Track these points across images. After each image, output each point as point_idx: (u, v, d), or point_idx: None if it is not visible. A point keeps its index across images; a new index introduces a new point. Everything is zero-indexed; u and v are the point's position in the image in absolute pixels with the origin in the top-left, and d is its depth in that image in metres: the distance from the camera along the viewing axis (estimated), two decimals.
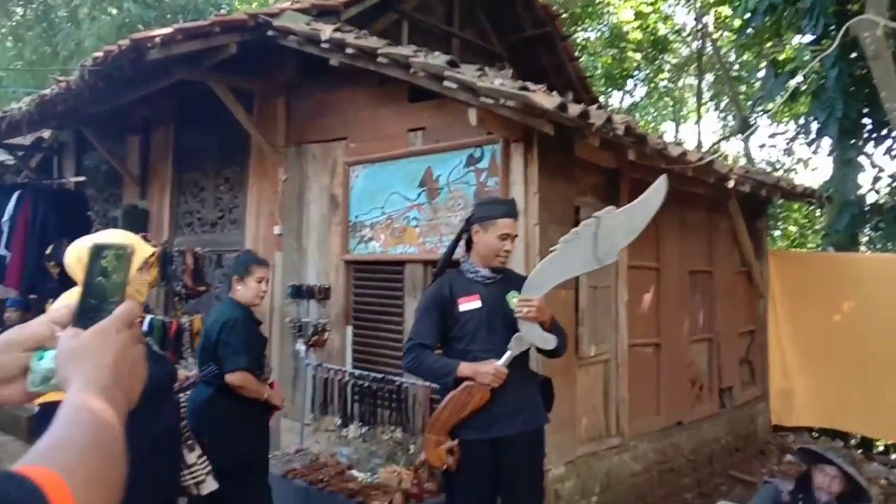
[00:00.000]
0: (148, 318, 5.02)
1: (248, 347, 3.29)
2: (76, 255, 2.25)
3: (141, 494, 2.21)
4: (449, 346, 2.90)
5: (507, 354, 2.74)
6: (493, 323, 2.81)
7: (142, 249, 2.39)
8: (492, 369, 2.68)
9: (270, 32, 4.67)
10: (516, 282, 2.90)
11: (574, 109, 3.44)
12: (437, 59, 3.83)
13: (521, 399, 2.80)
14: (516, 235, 2.91)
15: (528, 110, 3.41)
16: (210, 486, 2.59)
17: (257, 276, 3.45)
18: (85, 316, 0.80)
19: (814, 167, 15.91)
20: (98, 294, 0.82)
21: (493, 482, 2.85)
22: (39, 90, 6.21)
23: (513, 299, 2.80)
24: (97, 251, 0.84)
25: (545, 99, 3.35)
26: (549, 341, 2.75)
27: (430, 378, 3.00)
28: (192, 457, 2.53)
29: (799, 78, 7.26)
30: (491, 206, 2.95)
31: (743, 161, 14.04)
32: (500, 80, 3.52)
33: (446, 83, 3.64)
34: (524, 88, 3.40)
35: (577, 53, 9.45)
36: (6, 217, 6.85)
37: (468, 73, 3.66)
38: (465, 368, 2.73)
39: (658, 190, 2.69)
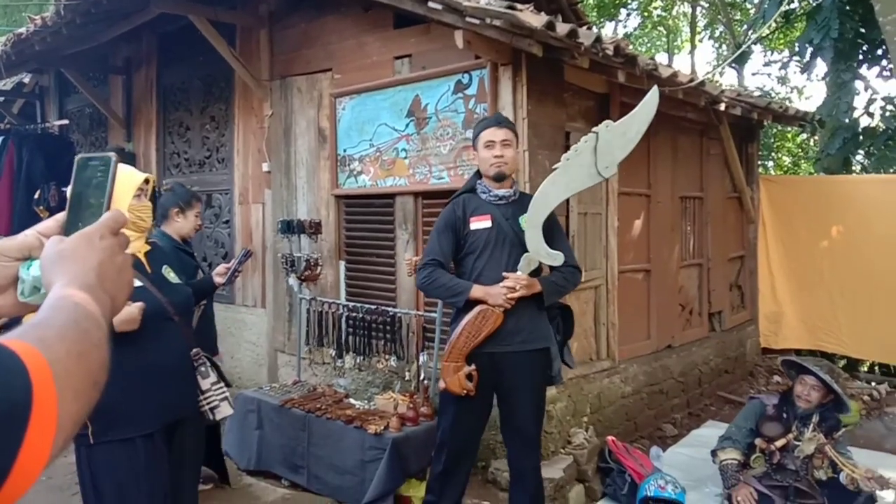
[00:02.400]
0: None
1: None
2: None
3: (147, 415, 2.30)
4: (459, 263, 2.99)
5: (517, 274, 2.81)
6: (502, 242, 2.89)
7: (134, 177, 2.40)
8: (502, 290, 2.75)
9: None
10: (528, 204, 2.92)
11: (562, 28, 3.37)
12: None
13: (520, 320, 2.86)
14: (506, 141, 2.90)
15: (515, 30, 3.34)
16: (225, 411, 2.65)
17: (196, 210, 3.52)
18: (73, 225, 0.80)
19: (808, 96, 15.70)
20: (84, 204, 0.82)
21: (488, 399, 2.93)
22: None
23: (524, 221, 2.86)
24: (82, 163, 0.85)
25: (532, 18, 3.28)
26: (557, 258, 2.82)
27: (442, 296, 3.03)
28: (205, 383, 2.58)
29: (793, 3, 7.11)
30: (477, 126, 3.02)
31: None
32: (485, 0, 3.43)
33: (431, 4, 3.54)
34: (511, 8, 3.32)
35: None
36: None
37: None
38: (476, 290, 2.81)
39: (650, 101, 2.73)
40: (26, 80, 7.88)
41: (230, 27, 5.34)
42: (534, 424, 2.95)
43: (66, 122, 7.24)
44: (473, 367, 2.80)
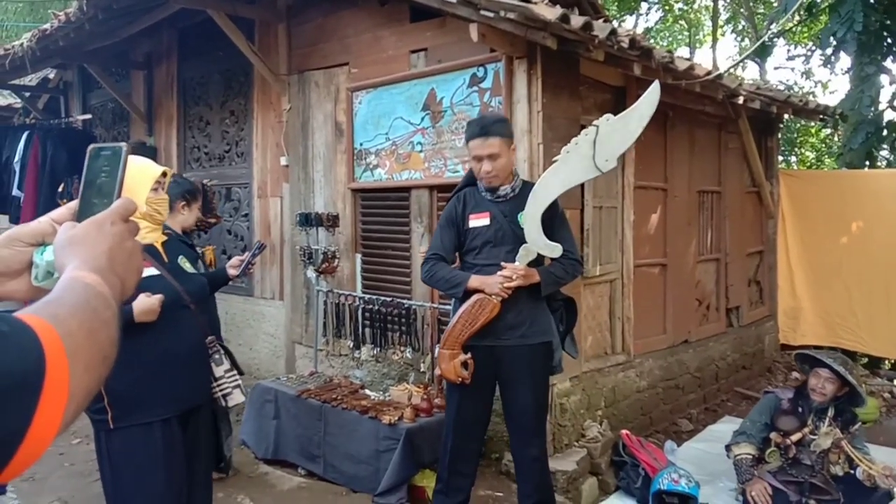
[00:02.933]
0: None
1: None
2: None
3: (165, 400, 2.36)
4: (463, 258, 3.03)
5: (514, 265, 2.80)
6: (501, 239, 2.89)
7: (151, 169, 2.46)
8: (499, 279, 2.77)
9: None
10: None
11: (577, 21, 3.36)
12: None
13: (520, 313, 2.87)
14: (493, 155, 2.81)
15: (530, 23, 3.34)
16: (237, 398, 2.72)
17: (199, 204, 3.59)
18: (84, 212, 0.83)
19: (833, 90, 15.44)
20: (96, 192, 0.85)
21: (488, 389, 2.96)
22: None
23: (524, 217, 2.84)
24: (95, 152, 0.87)
25: (547, 10, 3.28)
26: (555, 249, 2.81)
27: (443, 288, 3.06)
28: (219, 370, 2.65)
29: None
30: (466, 129, 2.97)
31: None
32: None
33: None
34: (525, 1, 3.32)
35: None
36: (17, 158, 6.92)
37: None
38: (473, 280, 2.84)
39: (652, 95, 2.72)
40: (51, 76, 8.03)
41: (249, 22, 5.40)
42: (533, 415, 2.95)
43: (89, 116, 7.36)
44: (469, 355, 2.82)
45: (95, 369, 0.65)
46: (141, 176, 2.39)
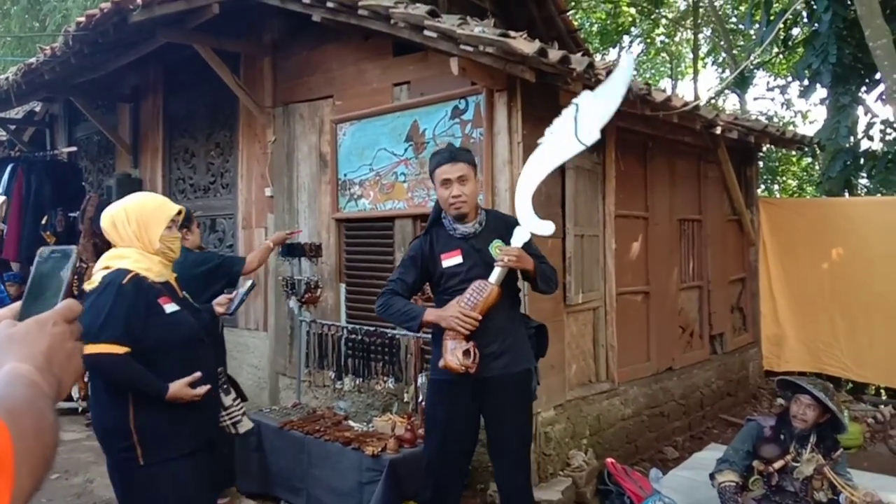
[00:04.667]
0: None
1: None
2: (109, 220, 2.43)
3: (192, 434, 2.38)
4: (437, 299, 2.98)
5: (498, 271, 2.74)
6: (477, 275, 2.81)
7: (167, 207, 2.49)
8: (455, 311, 2.69)
9: None
10: (500, 226, 2.92)
11: (554, 55, 3.44)
12: (418, 9, 3.81)
13: (504, 341, 2.85)
14: (462, 177, 2.80)
15: (508, 57, 3.42)
16: (246, 425, 2.78)
17: (196, 223, 3.73)
18: (28, 313, 0.82)
19: (812, 120, 15.73)
20: (41, 292, 0.85)
21: (473, 420, 2.93)
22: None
23: (495, 248, 2.84)
24: (45, 255, 0.89)
25: (525, 45, 3.36)
26: (547, 226, 2.81)
27: (398, 321, 2.95)
28: (227, 399, 2.70)
29: (794, 29, 7.18)
30: (431, 160, 2.95)
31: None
32: (480, 28, 3.52)
33: (427, 33, 3.64)
34: (504, 35, 3.40)
35: (570, 10, 9.35)
36: (1, 190, 6.90)
37: (449, 22, 3.65)
38: (429, 314, 2.78)
39: (624, 66, 2.84)
40: (37, 109, 8.06)
41: (234, 56, 5.47)
42: (519, 445, 2.94)
43: (74, 148, 7.37)
44: (473, 343, 2.72)
45: (38, 473, 0.63)
46: (158, 213, 2.44)
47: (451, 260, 2.87)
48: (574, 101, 2.81)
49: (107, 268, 2.39)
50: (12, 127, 8.19)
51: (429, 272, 2.94)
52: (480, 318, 2.69)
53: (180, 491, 2.38)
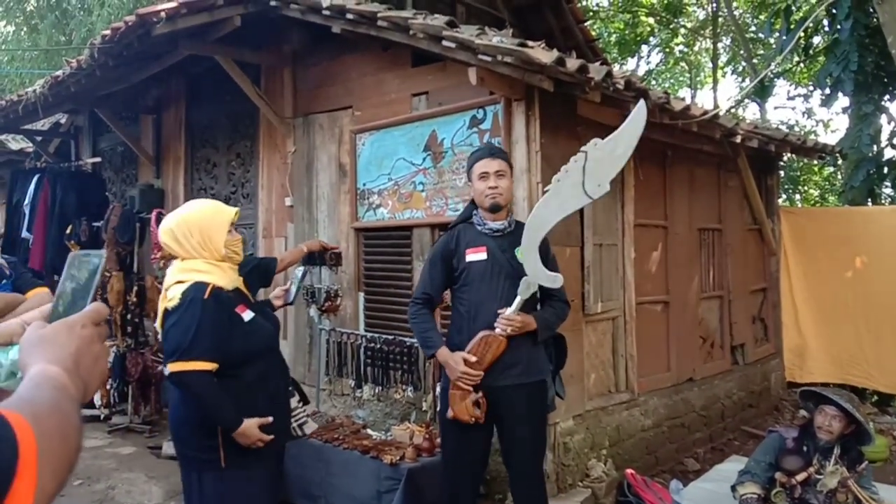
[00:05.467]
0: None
1: None
2: (170, 234, 2.43)
3: (277, 438, 2.41)
4: (456, 293, 3.01)
5: (518, 300, 2.80)
6: (498, 274, 2.88)
7: (226, 212, 2.50)
8: (462, 368, 2.78)
9: (272, 2, 4.70)
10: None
11: (572, 64, 3.45)
12: (437, 20, 3.84)
13: (517, 352, 2.86)
14: (500, 172, 2.89)
15: (527, 66, 3.43)
16: (311, 426, 2.82)
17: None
18: (57, 316, 0.84)
19: (834, 129, 15.56)
20: (70, 296, 0.87)
21: (486, 428, 2.94)
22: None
23: (520, 253, 2.86)
24: (75, 259, 0.91)
25: (543, 54, 3.37)
26: (556, 280, 2.82)
27: (417, 339, 3.13)
28: (293, 402, 2.71)
29: (815, 38, 7.12)
30: (470, 157, 3.04)
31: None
32: (498, 38, 3.54)
33: (445, 43, 3.66)
34: (523, 45, 3.41)
35: (588, 20, 9.38)
36: (27, 200, 7.03)
37: (467, 32, 3.68)
38: (441, 353, 2.88)
39: (637, 116, 2.71)
40: (62, 121, 8.21)
41: (255, 67, 5.54)
42: (533, 456, 2.93)
43: (98, 159, 7.50)
44: (481, 394, 2.81)
45: (61, 475, 0.63)
46: (218, 219, 2.44)
47: (476, 255, 2.92)
48: (583, 148, 2.71)
49: (180, 282, 2.36)
50: (38, 138, 8.35)
51: (453, 267, 2.97)
52: (482, 374, 2.78)
53: (260, 496, 2.40)
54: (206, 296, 2.30)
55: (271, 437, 2.37)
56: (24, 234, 7.02)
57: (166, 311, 2.37)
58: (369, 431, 4.12)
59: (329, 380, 4.75)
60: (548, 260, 2.90)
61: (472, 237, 2.95)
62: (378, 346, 4.42)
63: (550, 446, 3.81)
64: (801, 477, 3.39)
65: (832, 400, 3.34)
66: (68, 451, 0.64)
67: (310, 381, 5.17)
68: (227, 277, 2.42)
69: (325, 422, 4.32)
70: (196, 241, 2.39)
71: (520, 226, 2.96)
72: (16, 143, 9.12)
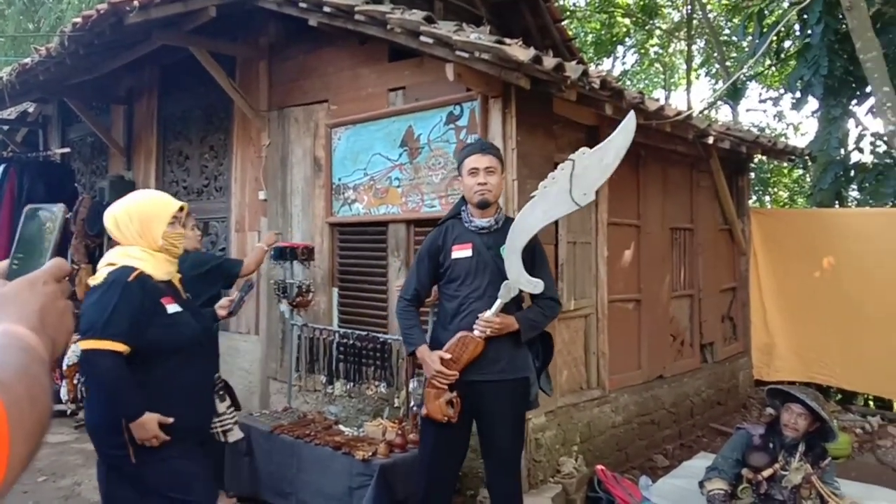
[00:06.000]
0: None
1: None
2: (112, 219, 2.43)
3: (186, 434, 2.37)
4: (442, 289, 3.04)
5: (498, 303, 2.82)
6: (482, 270, 2.90)
7: (170, 204, 2.48)
8: (436, 369, 2.82)
9: None
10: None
11: (549, 62, 3.46)
12: (415, 15, 3.83)
13: (499, 349, 2.88)
14: (490, 168, 2.89)
15: (504, 63, 3.43)
16: (236, 434, 2.77)
17: (193, 224, 3.79)
18: (16, 273, 0.81)
19: (804, 132, 15.87)
20: (29, 251, 0.85)
21: (466, 424, 2.96)
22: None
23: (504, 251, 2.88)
24: (31, 212, 0.88)
25: (520, 52, 3.38)
26: (536, 286, 2.83)
27: (401, 335, 3.15)
28: (221, 406, 2.69)
29: (786, 41, 7.25)
30: (461, 152, 3.05)
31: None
32: (475, 35, 3.54)
33: (423, 38, 3.66)
34: (500, 42, 3.42)
35: (565, 19, 9.42)
36: None
37: (445, 28, 3.67)
38: (421, 352, 2.92)
39: (627, 126, 2.73)
40: (30, 110, 8.03)
41: (230, 59, 5.48)
42: (512, 452, 2.95)
43: (67, 150, 7.36)
44: (455, 393, 2.82)
45: (34, 439, 0.62)
46: (159, 210, 2.43)
47: (461, 252, 2.94)
48: (571, 156, 2.74)
49: (111, 264, 2.38)
50: (5, 127, 8.16)
51: (439, 263, 2.99)
52: (458, 374, 2.81)
53: (181, 483, 2.38)
54: (130, 279, 2.30)
55: (168, 437, 2.32)
56: None
57: (88, 287, 2.38)
58: (341, 427, 4.09)
59: (300, 376, 4.71)
60: (534, 262, 2.91)
61: (460, 233, 2.97)
62: (351, 341, 4.40)
63: (524, 444, 3.83)
64: (766, 473, 3.46)
65: (798, 398, 3.41)
66: (39, 414, 0.63)
67: (281, 377, 5.14)
68: (160, 268, 2.42)
69: (297, 418, 4.29)
70: (135, 229, 2.40)
71: (508, 222, 2.97)
72: None
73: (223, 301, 3.16)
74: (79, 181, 7.53)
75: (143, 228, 2.40)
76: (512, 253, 2.80)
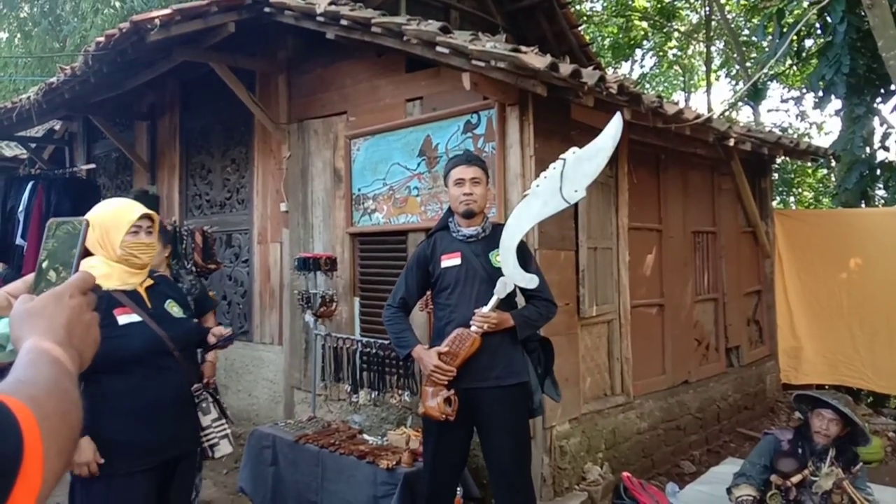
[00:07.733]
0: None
1: None
2: None
3: (145, 450, 2.32)
4: (435, 299, 3.06)
5: (494, 298, 2.84)
6: (472, 279, 2.92)
7: (127, 213, 2.39)
8: (435, 362, 2.82)
9: (267, 9, 4.72)
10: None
11: (566, 69, 3.46)
12: (430, 25, 3.86)
13: (495, 354, 2.87)
14: (475, 179, 2.93)
15: (520, 71, 3.44)
16: (224, 449, 2.62)
17: (165, 243, 3.73)
18: (41, 286, 0.83)
19: (827, 131, 15.63)
20: (54, 265, 0.86)
21: (465, 432, 2.96)
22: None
23: (495, 257, 2.90)
24: (55, 226, 0.89)
25: (536, 59, 3.39)
26: (532, 280, 2.84)
27: (392, 341, 3.16)
28: (206, 420, 2.56)
29: (807, 41, 7.15)
30: (447, 163, 3.10)
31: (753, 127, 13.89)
32: (491, 44, 3.56)
33: (439, 49, 3.68)
34: (516, 50, 3.43)
35: (582, 24, 9.41)
36: (21, 207, 7.01)
37: (461, 38, 3.69)
38: (416, 351, 2.93)
39: (613, 126, 2.80)
40: (56, 127, 8.20)
41: (250, 73, 5.55)
42: (515, 461, 2.90)
43: (92, 166, 7.49)
44: (453, 391, 2.81)
45: (66, 453, 0.64)
46: (117, 218, 2.36)
47: (450, 261, 2.97)
48: (562, 156, 2.81)
49: None
50: (33, 145, 8.33)
51: (429, 273, 3.02)
52: (456, 370, 2.80)
53: None
54: None
55: (102, 461, 2.23)
56: (19, 241, 7.00)
57: None
58: (365, 436, 4.11)
59: (325, 385, 4.74)
60: (526, 260, 2.92)
61: (448, 243, 3.01)
62: (374, 350, 4.42)
63: (546, 450, 3.82)
64: (796, 479, 3.40)
65: (830, 403, 3.34)
66: (70, 428, 0.64)
67: (305, 387, 5.17)
68: (117, 278, 2.33)
69: (322, 427, 4.32)
70: (95, 237, 2.32)
71: (496, 229, 2.99)
72: (10, 149, 9.10)
73: (216, 330, 2.88)
74: (104, 196, 7.66)
75: (102, 237, 2.33)
76: (506, 250, 2.83)
